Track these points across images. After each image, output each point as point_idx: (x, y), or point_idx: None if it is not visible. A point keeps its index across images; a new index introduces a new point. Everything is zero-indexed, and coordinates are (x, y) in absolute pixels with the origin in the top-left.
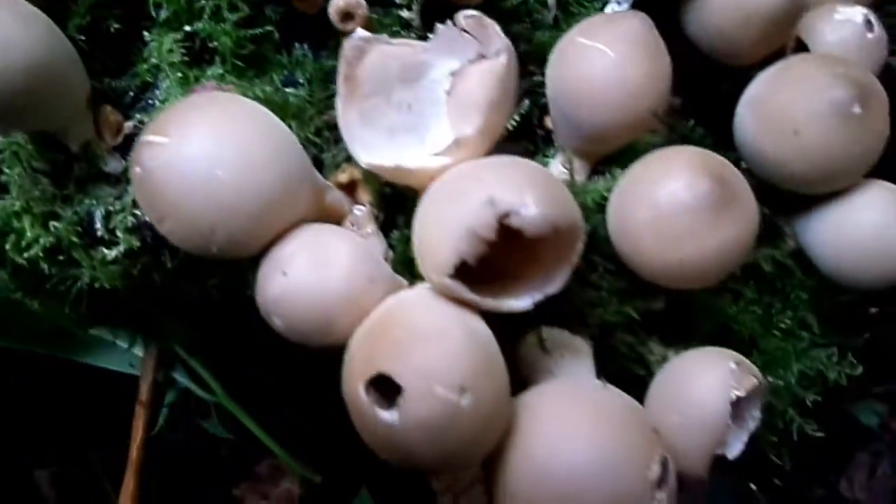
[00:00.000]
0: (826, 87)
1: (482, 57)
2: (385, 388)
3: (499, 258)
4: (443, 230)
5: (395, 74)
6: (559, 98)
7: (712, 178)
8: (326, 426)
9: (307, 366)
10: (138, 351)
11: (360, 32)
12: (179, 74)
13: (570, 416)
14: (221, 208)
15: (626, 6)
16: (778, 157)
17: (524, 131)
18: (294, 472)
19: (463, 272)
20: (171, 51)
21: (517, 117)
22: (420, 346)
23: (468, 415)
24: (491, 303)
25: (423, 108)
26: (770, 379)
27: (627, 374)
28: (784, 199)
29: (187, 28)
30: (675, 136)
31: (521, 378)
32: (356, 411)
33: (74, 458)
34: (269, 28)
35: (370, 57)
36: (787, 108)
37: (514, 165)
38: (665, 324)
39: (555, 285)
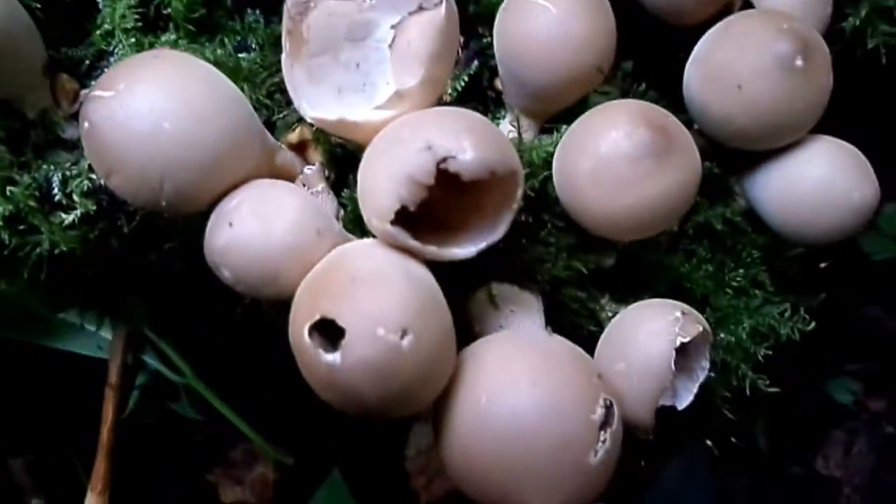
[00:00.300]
0: (769, 41)
1: (422, 9)
2: (329, 334)
3: (443, 209)
4: (383, 177)
5: (342, 33)
6: (505, 56)
7: (652, 127)
8: (298, 407)
9: (278, 346)
10: (107, 334)
11: None
12: (133, 41)
13: (513, 362)
14: (168, 161)
15: None
16: (723, 112)
17: (474, 93)
18: (267, 455)
19: (409, 223)
20: (124, 17)
21: (466, 78)
22: (362, 290)
23: (410, 356)
24: (434, 250)
25: (371, 68)
26: (722, 335)
27: (579, 329)
28: (734, 158)
29: None
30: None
31: (472, 334)
32: (301, 356)
33: (49, 444)
34: None
35: (315, 15)
36: (730, 64)
37: (452, 114)
38: (617, 281)
39: (497, 233)
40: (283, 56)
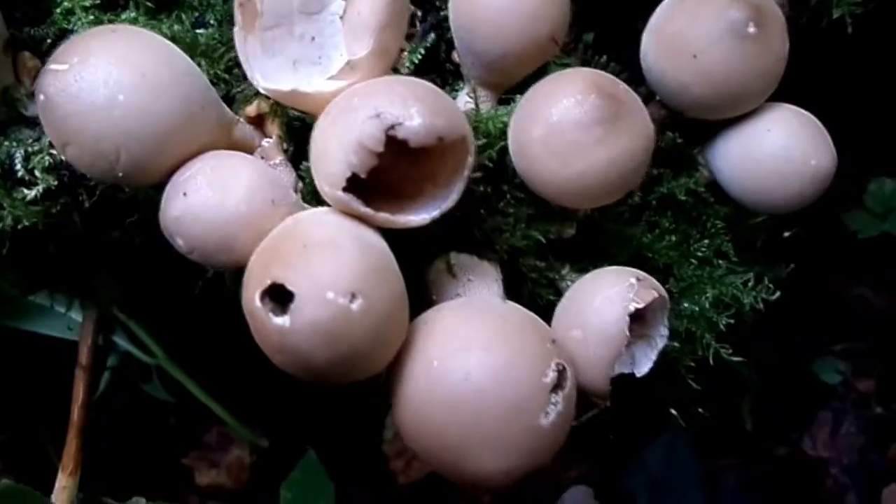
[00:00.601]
0: (721, 8)
1: None
2: (281, 300)
3: (398, 179)
4: (334, 145)
5: (297, 6)
6: (459, 28)
7: (602, 94)
8: (273, 389)
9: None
10: (77, 315)
11: None
12: (92, 18)
13: (466, 327)
14: (123, 132)
15: None
16: (679, 82)
17: (432, 66)
18: (241, 437)
19: (363, 192)
20: None
21: (422, 51)
22: (311, 255)
23: (360, 319)
24: (386, 217)
25: (326, 41)
26: (686, 304)
27: (539, 299)
28: (697, 128)
29: None
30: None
31: (430, 303)
32: (253, 321)
33: (21, 426)
34: None
35: None
36: (684, 33)
37: (401, 82)
38: (578, 251)
39: (449, 200)
40: (236, 29)
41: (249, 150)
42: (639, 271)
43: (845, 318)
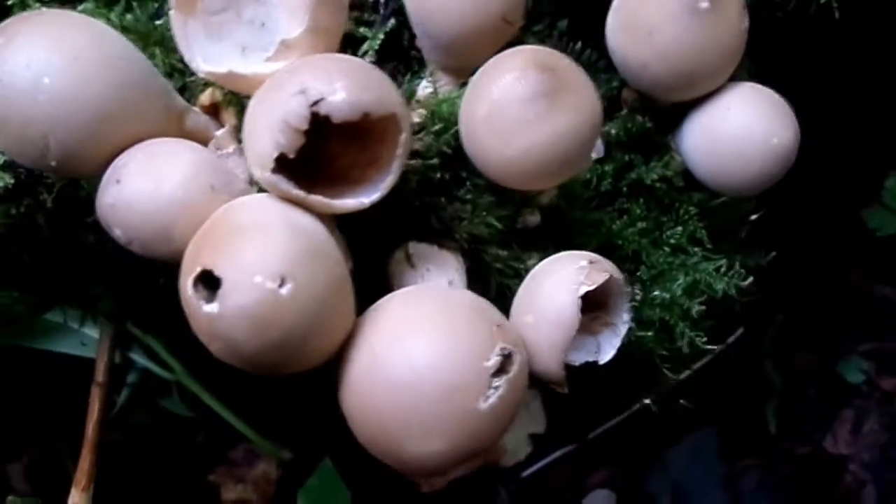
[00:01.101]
0: None
1: None
2: (214, 287)
3: (346, 166)
4: (261, 125)
5: None
6: (412, 11)
7: (541, 69)
8: (295, 401)
9: None
10: (92, 332)
11: None
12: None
13: (409, 312)
14: (50, 118)
15: None
16: (638, 61)
17: (394, 52)
18: (263, 450)
19: (305, 177)
20: None
21: (381, 36)
22: (239, 239)
23: (290, 304)
24: (319, 200)
25: (276, 26)
26: (657, 292)
27: (507, 290)
28: (669, 113)
29: None
30: None
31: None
32: (187, 309)
33: (44, 446)
34: None
35: None
36: (641, 11)
37: (329, 58)
38: (545, 240)
39: (386, 182)
40: (172, 11)
41: (205, 140)
42: (593, 254)
43: (869, 318)
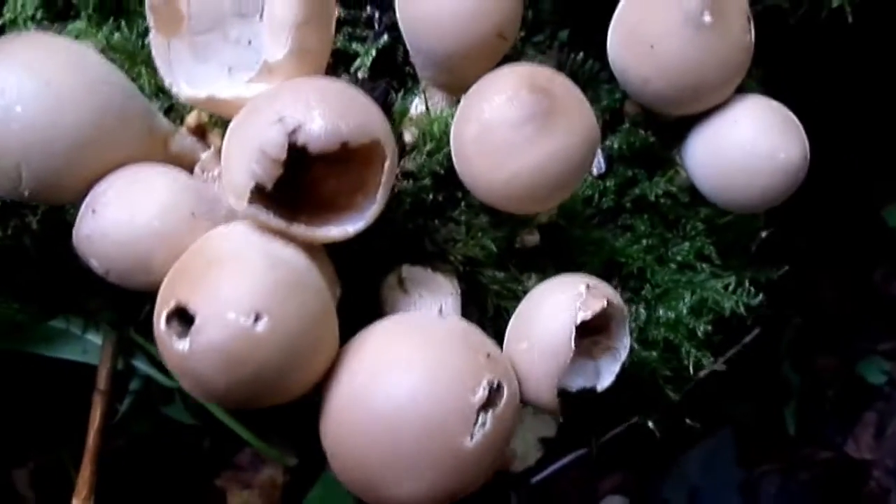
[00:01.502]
0: None
1: None
2: (188, 321)
3: (331, 191)
4: (237, 153)
5: (229, 9)
6: (405, 28)
7: (534, 90)
8: (299, 405)
9: None
10: (95, 338)
11: None
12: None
13: (394, 344)
14: (23, 146)
15: None
16: (640, 75)
17: (387, 68)
18: (268, 455)
19: (292, 206)
20: (24, 5)
21: (374, 52)
22: (214, 274)
23: (265, 340)
24: (301, 230)
25: (263, 44)
26: (662, 311)
27: (504, 312)
28: (673, 127)
29: None
30: (564, 70)
31: None
32: (160, 345)
33: (51, 454)
34: None
35: None
36: (642, 24)
37: (309, 84)
38: (545, 260)
39: (371, 211)
40: (152, 33)
41: (191, 163)
42: (593, 279)
43: (890, 317)
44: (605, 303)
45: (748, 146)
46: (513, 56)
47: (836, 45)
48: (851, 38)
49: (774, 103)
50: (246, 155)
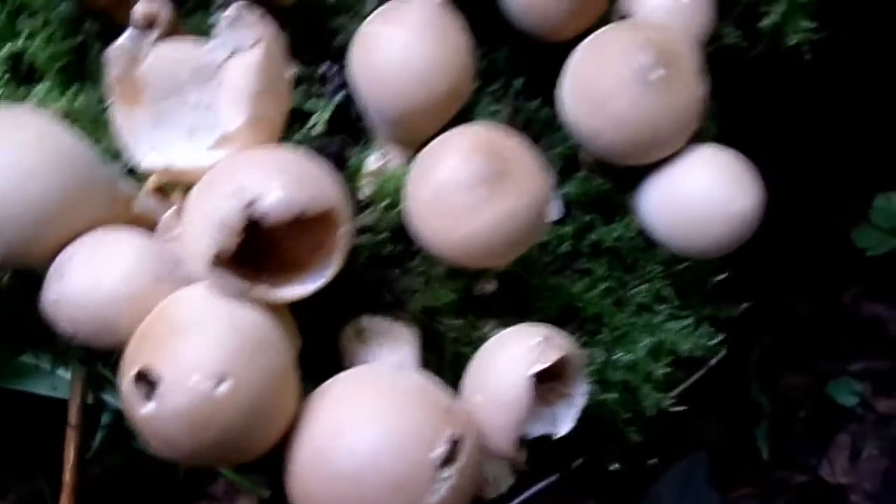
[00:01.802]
0: (628, 53)
1: (247, 48)
2: (153, 384)
3: (294, 247)
4: (199, 221)
5: (188, 77)
6: (359, 87)
7: (485, 153)
8: None
9: None
10: (64, 374)
11: (125, 35)
12: (2, 92)
13: (353, 399)
14: None
15: None
16: (592, 128)
17: (344, 124)
18: (241, 486)
19: (250, 262)
20: None
21: (331, 108)
22: (178, 337)
23: (229, 401)
24: (262, 292)
25: (221, 111)
26: (620, 354)
27: (463, 359)
28: (628, 172)
29: (8, 47)
30: (520, 117)
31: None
32: (124, 405)
33: (34, 484)
34: (85, 40)
35: (152, 60)
36: (594, 79)
37: (266, 155)
38: (503, 306)
39: (327, 273)
40: (113, 106)
41: (153, 222)
42: (549, 328)
43: (860, 338)
44: (562, 353)
45: (702, 196)
46: (468, 105)
47: (806, 66)
48: (822, 59)
49: (729, 153)
50: (206, 225)
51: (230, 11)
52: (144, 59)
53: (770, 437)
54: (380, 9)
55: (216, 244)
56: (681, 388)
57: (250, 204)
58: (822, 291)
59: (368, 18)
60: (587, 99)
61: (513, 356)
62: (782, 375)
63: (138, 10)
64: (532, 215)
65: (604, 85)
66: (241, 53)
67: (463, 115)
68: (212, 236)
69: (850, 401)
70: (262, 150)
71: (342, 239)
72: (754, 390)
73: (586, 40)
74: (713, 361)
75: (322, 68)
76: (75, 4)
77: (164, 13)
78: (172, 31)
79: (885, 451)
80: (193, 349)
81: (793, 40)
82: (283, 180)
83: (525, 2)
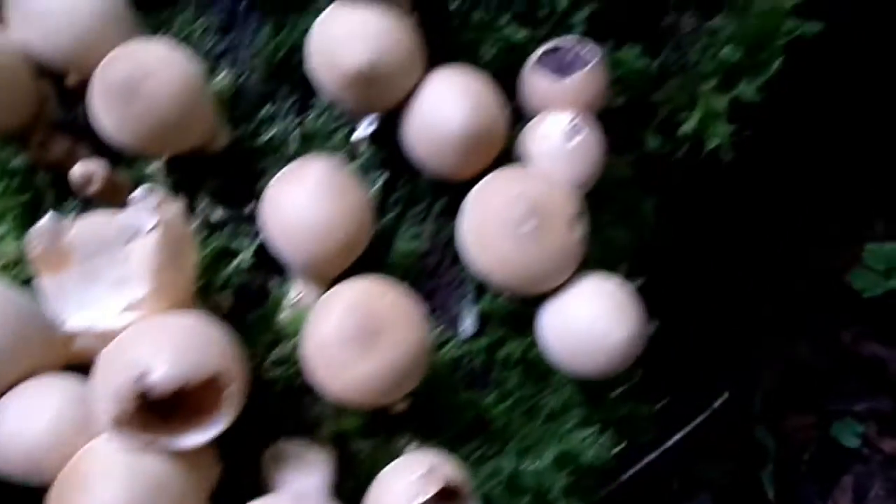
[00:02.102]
0: (504, 206)
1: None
2: None
3: (190, 398)
4: (101, 386)
5: (112, 237)
6: (268, 238)
7: (358, 314)
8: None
9: None
10: None
11: (46, 218)
12: None
13: None
14: None
15: (370, 129)
16: (483, 267)
17: (268, 258)
18: None
19: (158, 409)
20: None
21: (253, 248)
22: (83, 490)
23: None
24: (164, 443)
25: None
26: (528, 462)
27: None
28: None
29: None
30: (442, 235)
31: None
32: None
33: None
34: (38, 190)
35: (76, 231)
36: (481, 224)
37: (161, 325)
38: (416, 423)
39: (226, 420)
40: (39, 278)
41: (94, 358)
42: (433, 459)
43: (861, 378)
44: (443, 485)
45: (585, 326)
46: (390, 228)
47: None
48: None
49: (613, 283)
50: (105, 392)
51: (137, 192)
52: (68, 232)
53: (775, 479)
54: (283, 170)
55: (115, 408)
56: (684, 431)
57: (139, 378)
58: (821, 333)
59: (273, 179)
60: (477, 241)
61: (396, 491)
62: (786, 417)
63: (76, 172)
64: (407, 366)
65: (487, 231)
66: (144, 233)
67: (384, 237)
68: (108, 403)
69: (853, 442)
70: (158, 321)
71: (229, 398)
72: (759, 432)
73: (476, 186)
74: (716, 404)
75: (248, 208)
76: (28, 159)
77: (100, 171)
78: (110, 187)
79: (891, 491)
80: (99, 501)
81: (713, 143)
82: (169, 354)
83: (423, 152)
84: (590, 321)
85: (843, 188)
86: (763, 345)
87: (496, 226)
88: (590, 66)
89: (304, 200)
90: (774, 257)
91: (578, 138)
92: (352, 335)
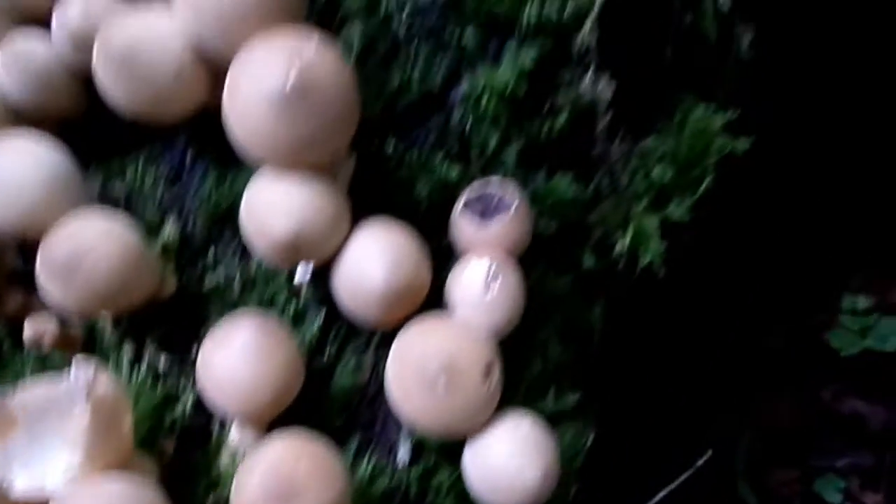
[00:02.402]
0: (420, 361)
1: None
2: None
3: None
4: None
5: (54, 404)
6: (201, 391)
7: (273, 477)
8: None
9: None
10: None
11: None
12: None
13: None
14: None
15: (307, 276)
16: (408, 418)
17: None
18: None
19: None
20: None
21: (193, 396)
22: None
23: None
24: None
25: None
26: None
27: None
28: None
29: None
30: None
31: None
32: None
33: None
34: None
35: (21, 398)
36: (402, 374)
37: (92, 493)
38: None
39: None
40: None
41: None
42: None
43: (843, 434)
44: None
45: (500, 465)
46: (332, 361)
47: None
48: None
49: (528, 424)
50: None
51: (73, 369)
52: (12, 399)
53: None
54: (212, 330)
55: None
56: (668, 489)
57: None
58: (802, 391)
59: (205, 340)
60: (398, 392)
61: None
62: (770, 473)
63: (27, 332)
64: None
65: (406, 384)
66: (77, 408)
67: (325, 371)
68: None
69: (836, 497)
70: (88, 488)
71: None
72: (742, 489)
73: (397, 338)
74: (700, 462)
75: (193, 353)
76: None
77: (51, 328)
78: (62, 341)
79: None
80: None
81: (646, 260)
82: None
83: (350, 304)
84: (504, 459)
85: (819, 246)
86: (745, 404)
87: (413, 381)
88: (511, 210)
89: (232, 362)
90: (750, 319)
91: (496, 285)
92: (268, 498)
